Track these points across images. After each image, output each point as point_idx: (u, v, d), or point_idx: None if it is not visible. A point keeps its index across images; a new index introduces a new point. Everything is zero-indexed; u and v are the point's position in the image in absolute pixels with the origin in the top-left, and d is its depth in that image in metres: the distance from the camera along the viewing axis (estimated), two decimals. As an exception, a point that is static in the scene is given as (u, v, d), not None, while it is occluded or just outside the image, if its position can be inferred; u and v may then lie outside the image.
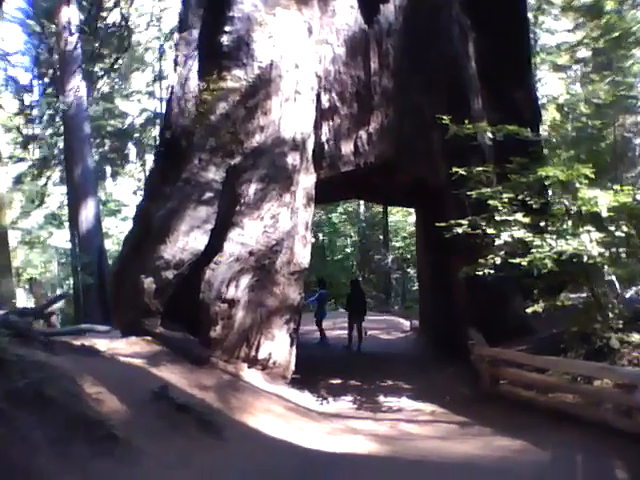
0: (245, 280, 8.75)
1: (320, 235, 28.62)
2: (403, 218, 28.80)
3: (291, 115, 9.04)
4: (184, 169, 9.17)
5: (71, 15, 24.67)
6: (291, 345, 9.29)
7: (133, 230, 9.83)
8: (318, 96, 9.43)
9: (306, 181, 9.27)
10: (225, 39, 9.12)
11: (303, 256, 9.31)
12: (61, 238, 31.57)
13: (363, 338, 13.76)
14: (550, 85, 26.73)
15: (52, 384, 5.39)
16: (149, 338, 8.85)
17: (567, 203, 7.44)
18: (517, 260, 7.23)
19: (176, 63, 9.32)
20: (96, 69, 30.71)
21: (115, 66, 31.32)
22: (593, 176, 7.18)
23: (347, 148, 9.54)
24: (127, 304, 9.46)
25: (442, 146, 9.61)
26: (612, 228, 7.16)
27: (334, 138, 9.52)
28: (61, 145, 29.82)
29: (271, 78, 9.02)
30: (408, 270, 27.91)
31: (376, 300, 27.25)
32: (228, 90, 9.11)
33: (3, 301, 18.86)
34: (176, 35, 9.58)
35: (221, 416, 6.65)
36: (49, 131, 31.03)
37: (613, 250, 7.51)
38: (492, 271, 7.53)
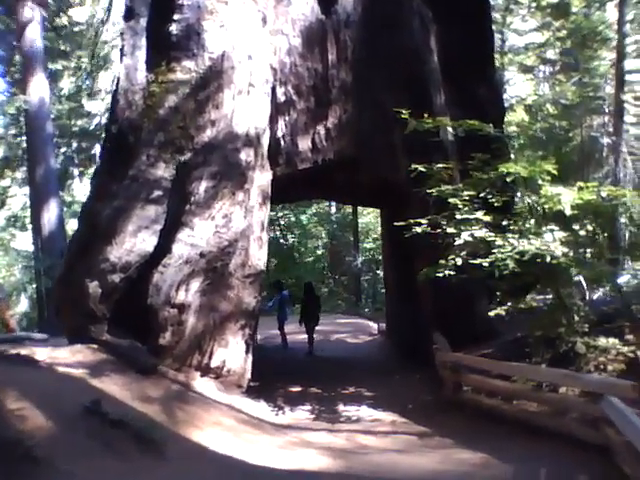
0: (196, 283, 8.25)
1: (290, 237, 28.19)
2: (374, 219, 28.50)
3: (244, 109, 8.58)
4: (132, 166, 8.65)
5: (34, 12, 23.86)
6: (247, 352, 8.81)
7: (79, 230, 9.27)
8: (273, 89, 8.99)
9: (261, 178, 8.80)
10: (174, 28, 8.63)
11: (259, 258, 8.83)
12: (24, 241, 30.68)
13: (314, 341, 13.48)
14: (518, 86, 26.67)
15: (-37, 400, 4.87)
16: (94, 346, 8.30)
17: (530, 201, 7.11)
18: (478, 261, 6.87)
19: (122, 53, 8.78)
20: (59, 67, 29.91)
21: (80, 64, 30.60)
22: (557, 173, 6.86)
23: (304, 144, 9.10)
24: (73, 309, 8.90)
25: (403, 143, 9.25)
26: (576, 227, 6.85)
27: (290, 133, 9.07)
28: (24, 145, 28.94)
29: (223, 69, 8.55)
30: (378, 272, 27.63)
31: (346, 302, 26.94)
32: (177, 82, 8.63)
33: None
34: (122, 23, 9.05)
35: (163, 431, 6.15)
36: (12, 131, 30.14)
37: (579, 250, 7.18)
38: (453, 272, 7.15)
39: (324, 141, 9.08)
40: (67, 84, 31.98)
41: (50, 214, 21.59)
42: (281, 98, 9.02)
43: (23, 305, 29.31)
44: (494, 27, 25.94)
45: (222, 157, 8.42)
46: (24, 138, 26.85)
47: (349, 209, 26.96)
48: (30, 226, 26.66)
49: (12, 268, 32.32)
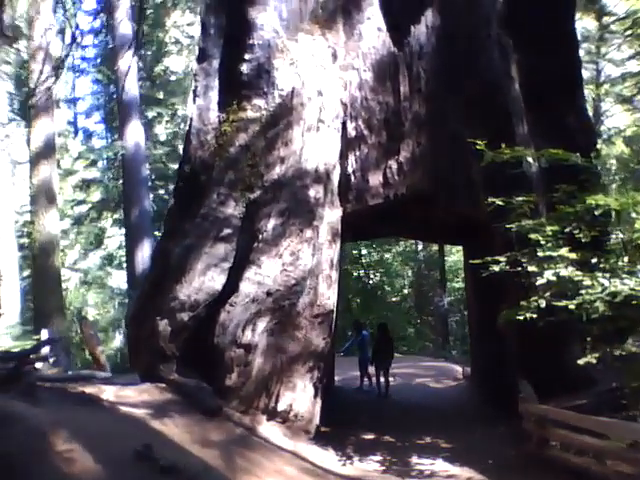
0: (263, 323, 8.02)
1: (374, 275, 27.70)
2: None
3: (314, 145, 8.41)
4: (203, 204, 8.67)
5: (130, 62, 25.31)
6: (315, 396, 8.42)
7: (151, 269, 9.36)
8: (344, 124, 8.78)
9: (331, 215, 8.54)
10: (245, 67, 8.66)
11: (328, 297, 8.50)
12: (119, 279, 32.00)
13: (390, 384, 13.02)
14: (616, 117, 25.23)
15: (13, 439, 4.79)
16: (162, 385, 8.23)
17: (622, 236, 6.39)
18: (563, 303, 6.19)
19: (195, 94, 8.90)
20: (155, 114, 31.46)
21: (175, 110, 32.06)
22: (652, 205, 6.13)
23: (375, 179, 8.77)
24: (144, 348, 8.92)
25: (483, 176, 8.72)
26: (677, 265, 6.06)
27: (361, 169, 8.78)
28: (120, 188, 30.46)
29: (292, 106, 8.45)
30: (466, 313, 26.50)
31: (433, 344, 26.00)
32: (248, 120, 8.61)
33: (57, 340, 18.87)
34: (195, 66, 9.21)
35: (218, 479, 5.86)
36: (109, 174, 31.88)
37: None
38: (535, 315, 6.48)
39: (396, 176, 8.72)
40: (162, 130, 33.51)
41: (144, 253, 22.50)
42: (352, 133, 8.79)
43: (117, 341, 30.34)
44: (588, 57, 25.05)
45: (290, 194, 8.26)
46: (121, 182, 28.35)
47: (435, 247, 26.21)
48: (125, 265, 27.79)
49: (108, 305, 33.75)
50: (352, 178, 8.79)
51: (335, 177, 8.70)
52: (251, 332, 7.97)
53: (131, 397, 7.73)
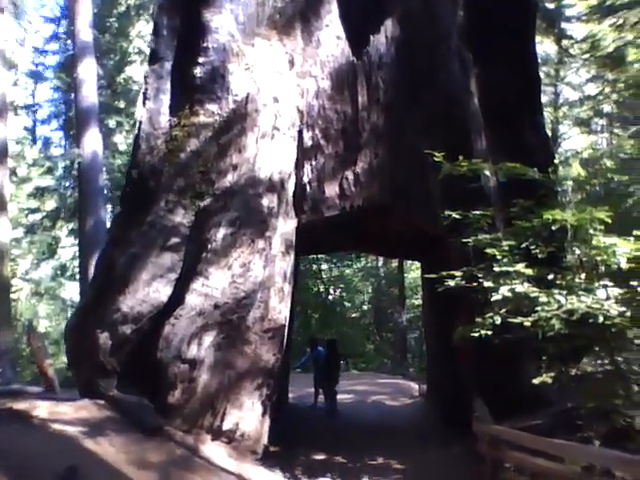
0: (209, 337, 7.63)
1: (333, 290, 27.46)
2: (421, 274, 27.51)
3: (268, 153, 8.12)
4: (150, 212, 8.26)
5: (89, 69, 24.71)
6: (264, 414, 8.04)
7: (95, 278, 8.88)
8: (300, 133, 8.52)
9: (285, 226, 8.23)
10: (198, 71, 8.33)
11: (279, 311, 8.16)
12: (72, 290, 31.01)
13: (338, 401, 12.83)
14: (573, 140, 25.69)
15: None
16: (101, 402, 7.74)
17: (579, 252, 6.26)
18: (519, 320, 6.00)
19: (145, 97, 8.52)
20: (114, 122, 30.77)
21: (135, 120, 31.42)
22: (611, 222, 6.00)
23: (332, 190, 8.52)
24: (83, 362, 8.44)
25: (441, 190, 8.57)
26: (634, 283, 5.92)
27: (317, 179, 8.52)
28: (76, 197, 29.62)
29: (247, 112, 8.15)
30: (425, 330, 26.44)
31: (392, 362, 25.81)
32: (200, 125, 8.27)
33: (2, 354, 18.01)
34: (146, 67, 8.84)
35: (152, 505, 5.44)
36: (64, 183, 30.99)
37: (637, 309, 6.21)
38: (490, 332, 6.28)
39: (353, 187, 8.48)
40: (122, 139, 32.81)
41: (98, 264, 21.69)
42: (308, 142, 8.52)
43: (69, 355, 29.24)
44: (547, 80, 25.46)
45: (242, 203, 7.93)
46: (76, 191, 27.52)
47: (396, 263, 26.13)
48: (78, 276, 26.92)
49: (60, 317, 32.64)
50: (308, 188, 8.52)
51: (290, 187, 8.41)
52: (197, 347, 7.58)
53: (66, 414, 7.22)
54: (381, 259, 27.92)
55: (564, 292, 5.93)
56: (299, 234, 8.71)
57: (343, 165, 8.53)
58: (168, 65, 8.61)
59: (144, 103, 8.56)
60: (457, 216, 6.93)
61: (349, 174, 8.49)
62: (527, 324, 5.92)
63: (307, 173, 8.50)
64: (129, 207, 8.73)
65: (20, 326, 27.18)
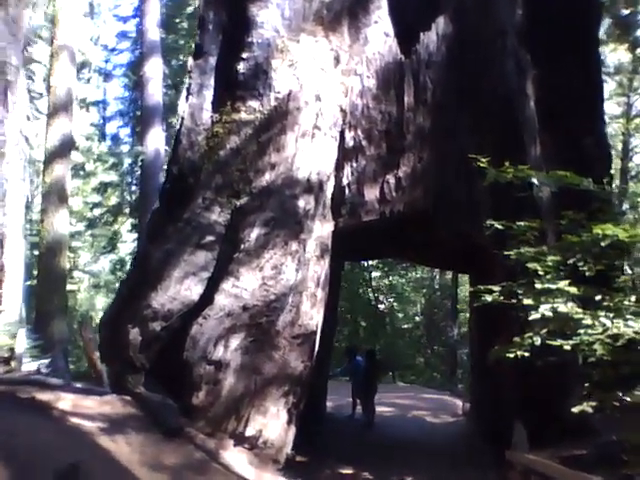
0: (237, 340, 7.42)
1: (384, 300, 26.95)
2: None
3: (308, 153, 7.87)
4: (187, 208, 8.18)
5: (156, 68, 25.20)
6: (289, 422, 7.76)
7: (130, 273, 8.86)
8: (342, 133, 8.22)
9: (321, 229, 7.95)
10: (241, 67, 8.18)
11: (311, 317, 7.87)
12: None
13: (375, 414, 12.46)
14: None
15: None
16: (127, 398, 7.67)
17: (631, 272, 5.69)
18: (558, 342, 5.50)
19: (189, 92, 8.44)
20: (176, 121, 31.28)
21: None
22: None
23: (371, 194, 8.16)
24: (115, 356, 8.42)
25: (490, 198, 8.10)
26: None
27: (357, 181, 8.18)
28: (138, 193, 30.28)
29: (288, 110, 7.93)
30: (478, 345, 25.54)
31: (442, 376, 25.12)
32: (241, 122, 8.12)
33: (55, 344, 18.48)
34: (190, 61, 8.76)
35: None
36: (127, 179, 31.79)
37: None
38: (526, 354, 5.79)
39: (394, 191, 8.10)
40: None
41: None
42: (350, 143, 8.21)
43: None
44: (620, 90, 24.22)
45: (278, 203, 7.71)
46: (138, 187, 28.14)
47: (450, 275, 25.39)
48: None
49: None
50: (347, 191, 8.20)
51: (329, 189, 8.13)
52: (223, 348, 7.38)
53: (89, 408, 7.17)
54: (437, 270, 27.23)
55: (611, 315, 5.39)
56: (340, 238, 8.42)
57: (385, 168, 8.17)
58: (212, 60, 8.52)
59: (187, 98, 8.49)
60: (499, 226, 6.46)
61: (390, 178, 8.12)
62: (567, 347, 5.41)
63: (347, 175, 8.19)
64: (167, 203, 8.68)
65: (78, 317, 27.97)
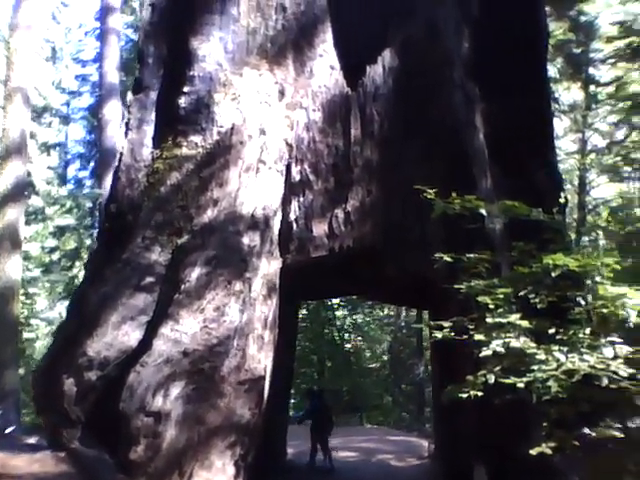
0: (177, 388, 6.93)
1: (349, 338, 26.51)
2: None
3: (252, 187, 7.56)
4: (126, 248, 7.75)
5: (114, 110, 24.92)
6: (236, 477, 7.23)
7: (66, 319, 8.36)
8: (288, 167, 7.96)
9: (267, 267, 7.58)
10: (183, 101, 7.92)
11: (258, 360, 7.42)
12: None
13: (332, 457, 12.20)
14: (602, 188, 24.69)
15: None
16: (61, 454, 7.12)
17: (583, 303, 5.45)
18: (511, 380, 5.18)
19: (128, 128, 8.12)
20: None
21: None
22: (619, 267, 5.22)
23: (320, 229, 7.87)
24: (50, 409, 7.84)
25: (442, 231, 7.88)
26: (648, 340, 5.09)
27: (305, 216, 7.89)
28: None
29: (231, 144, 7.66)
30: (446, 384, 25.12)
31: (411, 416, 24.60)
32: (182, 158, 7.80)
33: (5, 396, 17.58)
34: (130, 96, 8.48)
35: None
36: (85, 222, 31.08)
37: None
38: (479, 393, 5.45)
39: (342, 226, 7.82)
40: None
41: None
42: (296, 177, 7.95)
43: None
44: (575, 127, 24.72)
45: (221, 240, 7.34)
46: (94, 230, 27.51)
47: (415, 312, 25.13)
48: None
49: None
50: (294, 226, 7.89)
51: (275, 224, 7.80)
52: (163, 398, 6.87)
53: (18, 468, 6.62)
54: (403, 307, 26.98)
55: (565, 349, 5.11)
56: (289, 276, 8.06)
57: (333, 202, 7.91)
58: (153, 95, 8.24)
59: (126, 134, 8.16)
60: (448, 259, 6.20)
61: (339, 212, 7.85)
62: (521, 385, 5.09)
63: (294, 210, 7.90)
64: (106, 243, 8.26)
65: (33, 366, 26.82)
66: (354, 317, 26.08)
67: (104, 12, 26.13)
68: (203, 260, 7.26)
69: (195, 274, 7.20)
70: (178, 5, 8.31)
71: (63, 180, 39.52)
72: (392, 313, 28.18)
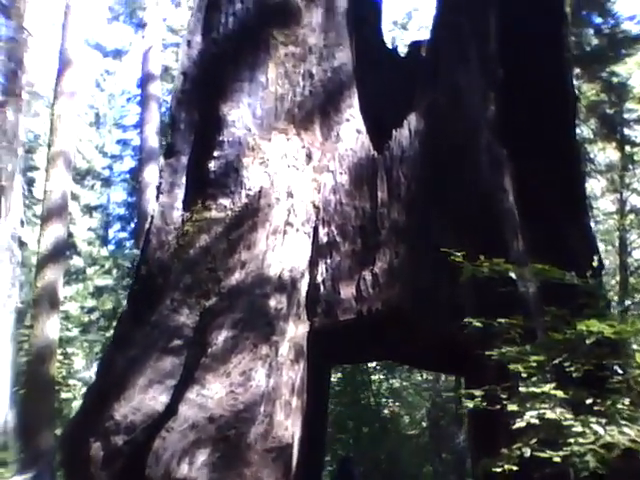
0: (203, 455, 6.76)
1: (386, 404, 25.75)
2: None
3: (279, 250, 7.57)
4: (155, 310, 7.79)
5: (154, 174, 25.67)
6: None
7: (94, 382, 8.36)
8: (315, 229, 7.97)
9: (295, 330, 7.49)
10: (213, 165, 8.08)
11: (286, 427, 7.22)
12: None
13: None
14: (644, 248, 24.11)
15: None
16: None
17: (621, 372, 5.19)
18: (547, 454, 4.90)
19: (159, 192, 8.31)
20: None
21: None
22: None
23: (348, 291, 7.77)
24: (77, 474, 7.78)
25: (474, 295, 7.70)
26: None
27: (332, 279, 7.81)
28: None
29: (259, 207, 7.72)
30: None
31: (450, 487, 23.56)
32: (211, 220, 7.90)
33: (40, 456, 17.62)
34: (162, 161, 8.71)
35: None
36: (123, 283, 31.59)
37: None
38: (515, 468, 5.17)
39: (370, 289, 7.70)
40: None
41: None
42: (323, 239, 7.94)
43: None
44: (612, 187, 24.38)
45: (248, 303, 7.31)
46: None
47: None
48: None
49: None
50: (321, 288, 7.81)
51: (303, 287, 7.76)
52: (188, 465, 6.71)
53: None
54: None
55: (603, 421, 4.84)
56: (318, 340, 7.95)
57: (360, 264, 7.83)
58: (184, 159, 8.44)
59: (157, 197, 8.34)
60: (478, 324, 6.02)
61: (367, 274, 7.76)
62: (557, 459, 4.81)
63: (321, 272, 7.84)
64: (135, 305, 8.32)
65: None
66: (390, 381, 25.37)
67: (145, 79, 27.36)
68: (230, 323, 7.21)
69: (222, 337, 7.15)
70: (208, 73, 8.61)
71: (104, 241, 40.56)
72: (430, 377, 27.44)
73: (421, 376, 27.00)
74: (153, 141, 27.10)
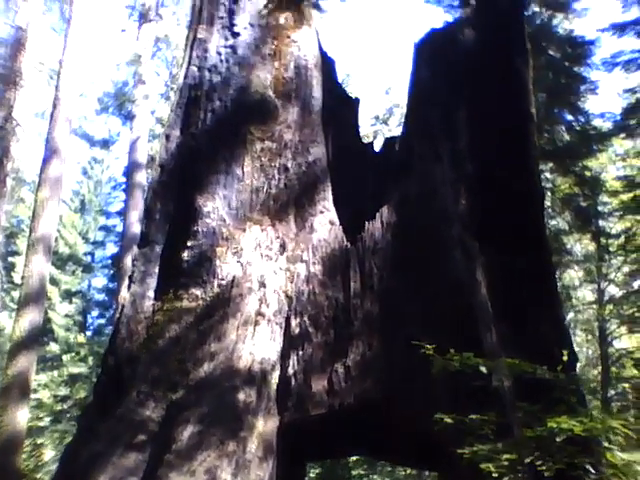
0: None
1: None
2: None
3: (250, 341, 7.47)
4: (122, 403, 7.54)
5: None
6: None
7: (57, 476, 7.96)
8: (287, 320, 7.90)
9: (264, 425, 7.26)
10: (186, 254, 8.10)
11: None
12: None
13: None
14: (624, 338, 24.12)
15: None
16: None
17: (593, 471, 5.04)
18: None
19: (131, 281, 8.26)
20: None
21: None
22: (629, 432, 4.88)
23: (319, 385, 7.59)
24: None
25: (448, 389, 7.55)
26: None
27: (303, 371, 7.66)
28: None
29: (231, 297, 7.69)
30: None
31: None
32: (182, 310, 7.82)
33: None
34: (135, 250, 8.71)
35: None
36: (97, 371, 30.76)
37: None
38: None
39: (343, 382, 7.55)
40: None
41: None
42: (295, 330, 7.85)
43: None
44: (589, 278, 24.71)
45: (216, 396, 7.12)
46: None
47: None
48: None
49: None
50: (292, 381, 7.63)
51: (273, 379, 7.59)
52: None
53: None
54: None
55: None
56: (292, 435, 7.68)
57: (333, 357, 7.71)
58: (158, 248, 8.46)
59: (129, 286, 8.28)
60: (449, 420, 5.88)
61: (339, 367, 7.62)
62: None
63: (293, 364, 7.69)
64: (101, 397, 8.07)
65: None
66: (372, 476, 24.50)
67: (131, 168, 27.79)
68: (196, 418, 6.99)
69: (187, 432, 6.90)
70: (186, 166, 8.78)
71: (82, 328, 39.85)
72: (414, 472, 26.47)
73: (404, 471, 26.07)
74: (136, 228, 27.19)
